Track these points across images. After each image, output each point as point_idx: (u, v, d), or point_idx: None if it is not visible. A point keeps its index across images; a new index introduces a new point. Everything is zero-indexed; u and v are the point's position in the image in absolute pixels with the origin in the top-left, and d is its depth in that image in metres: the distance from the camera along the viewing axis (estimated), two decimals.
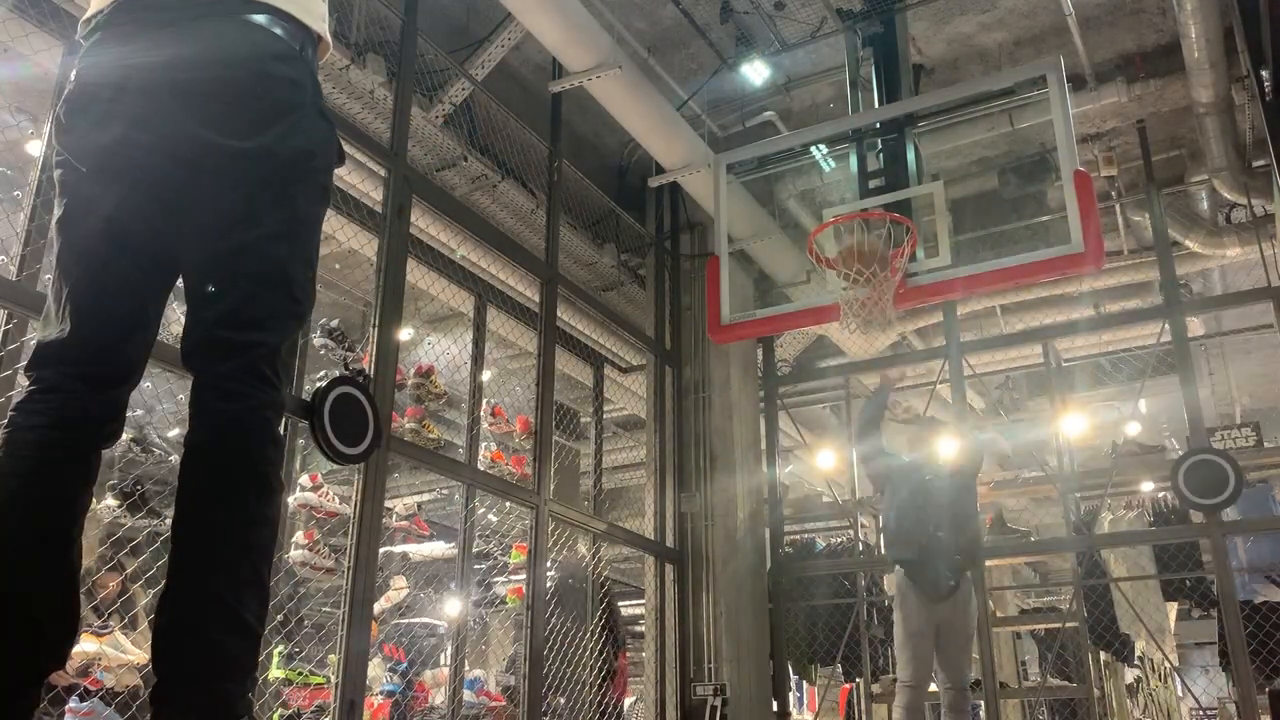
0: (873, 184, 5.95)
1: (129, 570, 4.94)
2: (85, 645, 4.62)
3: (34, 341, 1.63)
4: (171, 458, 5.58)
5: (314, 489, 6.09)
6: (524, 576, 6.07)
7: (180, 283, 1.74)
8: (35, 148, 4.20)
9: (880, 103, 6.23)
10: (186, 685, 1.45)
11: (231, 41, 1.68)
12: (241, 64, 1.68)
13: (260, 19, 1.72)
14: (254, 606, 1.53)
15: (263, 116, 1.68)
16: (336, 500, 6.13)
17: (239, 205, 1.67)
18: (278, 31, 1.73)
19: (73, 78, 1.71)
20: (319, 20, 1.86)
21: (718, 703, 6.74)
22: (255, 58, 1.70)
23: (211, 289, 1.66)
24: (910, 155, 5.88)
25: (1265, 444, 8.06)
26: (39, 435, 1.54)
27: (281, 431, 1.72)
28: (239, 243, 1.67)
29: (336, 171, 1.91)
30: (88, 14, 1.77)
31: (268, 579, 1.60)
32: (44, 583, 1.48)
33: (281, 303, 1.71)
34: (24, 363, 3.94)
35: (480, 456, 6.21)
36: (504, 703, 6.18)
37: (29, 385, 1.59)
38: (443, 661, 6.62)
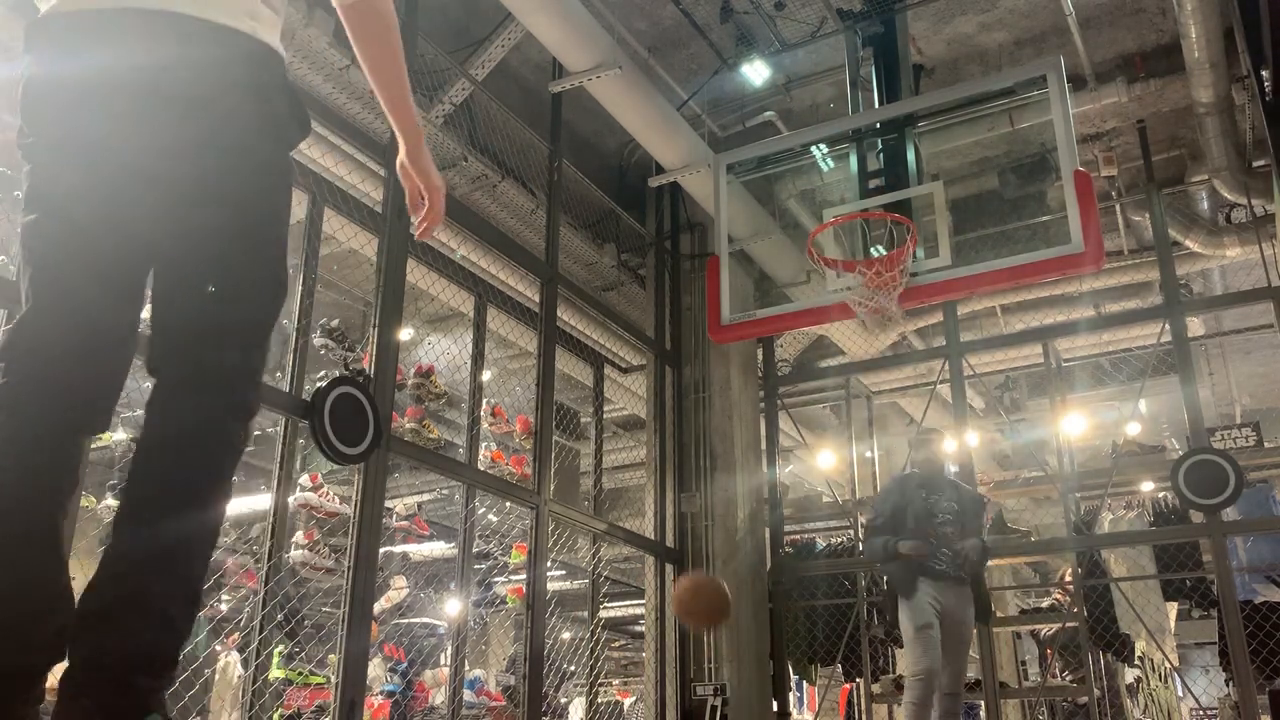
0: (873, 184, 5.96)
1: None
2: None
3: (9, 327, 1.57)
4: None
5: (314, 489, 6.10)
6: (524, 576, 6.07)
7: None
8: None
9: (880, 103, 6.22)
10: (97, 675, 1.39)
11: (162, 36, 1.63)
12: (172, 56, 1.63)
13: (189, 11, 1.65)
14: (180, 600, 1.47)
15: (199, 106, 1.63)
16: (336, 500, 6.14)
17: (196, 207, 1.62)
18: (207, 17, 1.66)
19: (22, 82, 1.66)
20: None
21: (718, 703, 6.73)
22: (183, 47, 1.63)
23: (178, 292, 1.62)
24: (910, 155, 5.88)
25: (1265, 444, 8.05)
26: (21, 417, 1.49)
27: (242, 437, 1.64)
28: (195, 247, 1.63)
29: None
30: (38, 18, 1.71)
31: (201, 575, 1.54)
32: (32, 569, 1.44)
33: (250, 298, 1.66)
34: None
35: (480, 456, 6.21)
36: (504, 703, 6.18)
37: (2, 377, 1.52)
38: (443, 661, 6.63)
